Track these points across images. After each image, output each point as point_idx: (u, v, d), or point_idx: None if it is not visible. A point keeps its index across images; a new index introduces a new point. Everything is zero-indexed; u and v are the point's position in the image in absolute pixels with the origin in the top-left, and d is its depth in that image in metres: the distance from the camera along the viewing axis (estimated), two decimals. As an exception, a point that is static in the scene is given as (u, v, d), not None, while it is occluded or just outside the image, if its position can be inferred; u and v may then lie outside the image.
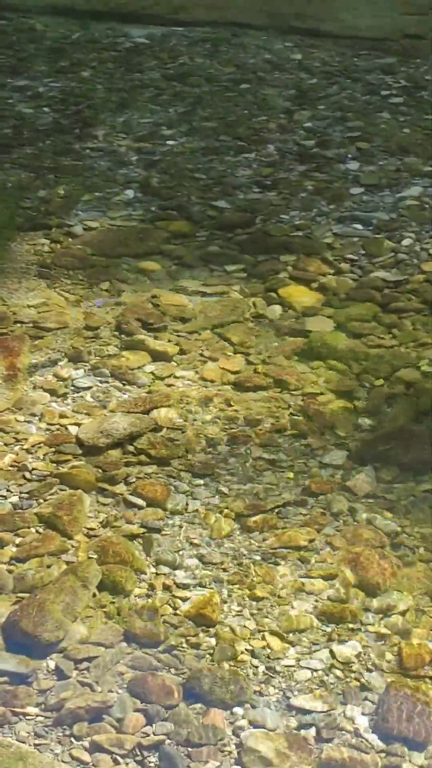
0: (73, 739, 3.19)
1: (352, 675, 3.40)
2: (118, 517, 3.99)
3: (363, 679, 3.39)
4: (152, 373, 4.78)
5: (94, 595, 3.64)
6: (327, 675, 3.40)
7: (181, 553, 3.84)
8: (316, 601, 3.66)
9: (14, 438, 4.37)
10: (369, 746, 3.19)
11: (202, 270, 5.59)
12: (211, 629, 3.54)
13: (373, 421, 4.50)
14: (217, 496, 4.10)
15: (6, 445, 4.33)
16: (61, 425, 4.44)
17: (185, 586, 3.70)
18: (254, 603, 3.64)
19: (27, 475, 4.18)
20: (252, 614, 3.59)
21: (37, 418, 4.49)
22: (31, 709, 3.27)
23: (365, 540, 3.90)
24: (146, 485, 4.12)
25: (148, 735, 3.20)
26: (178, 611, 3.60)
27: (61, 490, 4.11)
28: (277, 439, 4.39)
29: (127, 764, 3.13)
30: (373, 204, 6.24)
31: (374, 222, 6.02)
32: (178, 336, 5.03)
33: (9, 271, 5.54)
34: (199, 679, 3.35)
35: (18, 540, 3.88)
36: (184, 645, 3.49)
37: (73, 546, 3.85)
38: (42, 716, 3.26)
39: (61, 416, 4.49)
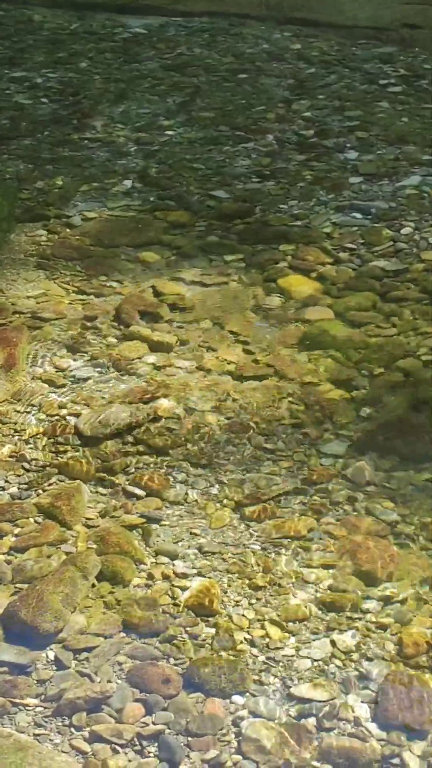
0: (72, 729, 3.19)
1: (352, 664, 3.40)
2: (117, 507, 3.99)
3: (363, 668, 3.38)
4: (151, 363, 4.77)
5: (94, 585, 3.64)
6: (327, 664, 3.39)
7: (180, 543, 3.84)
8: (316, 590, 3.66)
9: (13, 429, 4.37)
10: (369, 735, 3.18)
11: (201, 260, 5.58)
12: (210, 619, 3.53)
13: (373, 411, 4.49)
14: (216, 486, 4.09)
15: (5, 435, 4.33)
16: (59, 416, 4.44)
17: (184, 576, 3.69)
18: (254, 592, 3.63)
19: (26, 465, 4.18)
20: (251, 604, 3.59)
21: (36, 408, 4.49)
22: (31, 700, 3.27)
23: (365, 529, 3.89)
24: (145, 475, 4.12)
25: (148, 725, 3.20)
26: (177, 601, 3.60)
27: (60, 480, 4.11)
28: (277, 429, 4.38)
29: (126, 754, 3.12)
30: (372, 193, 6.23)
31: (373, 211, 6.01)
32: (177, 326, 5.02)
33: (7, 262, 5.53)
34: (198, 668, 3.34)
35: (17, 530, 3.87)
36: (184, 635, 3.48)
37: (72, 536, 3.85)
38: (41, 707, 3.25)
39: (60, 407, 4.49)
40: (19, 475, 4.13)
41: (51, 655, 3.41)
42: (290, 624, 3.52)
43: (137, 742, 3.15)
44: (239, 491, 4.05)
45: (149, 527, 3.90)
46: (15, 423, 4.39)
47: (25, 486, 4.08)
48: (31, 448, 4.26)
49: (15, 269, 5.48)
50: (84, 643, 3.43)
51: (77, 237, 5.80)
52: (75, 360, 4.79)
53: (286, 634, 3.49)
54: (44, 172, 6.51)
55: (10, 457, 4.22)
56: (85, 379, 4.67)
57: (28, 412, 4.46)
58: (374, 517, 3.96)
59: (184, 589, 3.64)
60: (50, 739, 3.16)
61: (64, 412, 4.46)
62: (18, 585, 3.63)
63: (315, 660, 3.41)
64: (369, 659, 3.41)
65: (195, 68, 8.14)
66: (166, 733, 3.18)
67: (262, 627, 3.50)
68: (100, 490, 4.08)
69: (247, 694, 3.30)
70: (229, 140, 6.91)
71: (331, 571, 3.73)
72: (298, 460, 4.22)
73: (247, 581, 3.67)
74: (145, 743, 3.15)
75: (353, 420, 4.44)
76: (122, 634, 3.48)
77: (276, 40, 8.73)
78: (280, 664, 3.40)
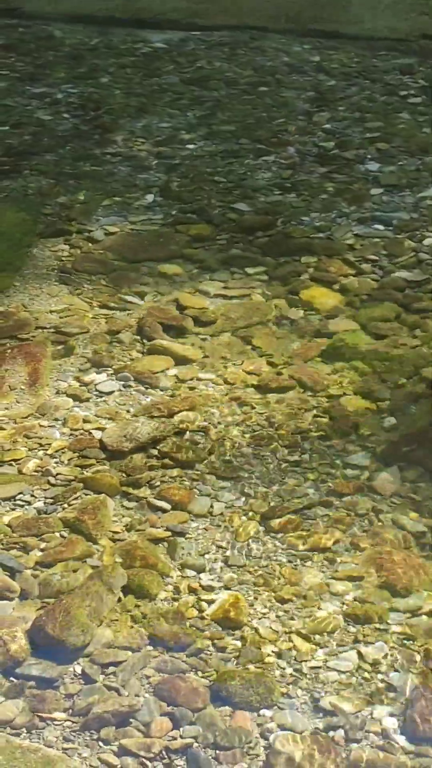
0: (100, 744, 3.19)
1: (380, 676, 3.39)
2: (142, 520, 3.99)
3: (390, 680, 3.37)
4: (175, 376, 4.78)
5: (120, 599, 3.64)
6: (354, 676, 3.39)
7: (206, 556, 3.84)
8: (342, 602, 3.65)
9: (38, 443, 4.38)
10: (397, 747, 3.17)
11: (223, 273, 5.59)
12: (237, 631, 3.53)
13: (397, 421, 4.48)
14: (241, 499, 4.09)
15: (30, 450, 4.34)
16: (84, 430, 4.44)
17: (211, 589, 3.69)
18: (280, 605, 3.63)
19: (51, 480, 4.18)
20: (278, 616, 3.58)
21: (60, 423, 4.50)
22: (59, 714, 3.27)
23: (391, 540, 3.89)
24: (170, 489, 4.12)
25: (176, 738, 3.20)
26: (203, 614, 3.59)
27: (86, 494, 4.11)
28: (301, 441, 4.38)
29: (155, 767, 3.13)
30: (393, 204, 6.23)
31: (395, 222, 6.01)
32: (201, 339, 5.03)
33: (31, 277, 5.56)
34: (225, 681, 3.34)
35: (43, 545, 3.88)
36: (211, 648, 3.48)
37: (98, 550, 3.85)
38: (69, 721, 3.25)
39: (85, 421, 4.50)
40: (44, 490, 4.14)
41: (78, 669, 3.41)
42: (317, 636, 3.51)
43: (165, 756, 3.15)
44: (264, 504, 4.05)
45: (175, 540, 3.90)
46: (40, 437, 4.40)
47: (51, 500, 4.09)
48: (56, 463, 4.27)
49: (38, 284, 5.50)
50: (111, 657, 3.43)
51: (100, 251, 5.81)
52: (99, 374, 4.80)
53: (313, 647, 3.48)
54: (66, 187, 6.53)
55: (36, 471, 4.23)
56: (109, 393, 4.68)
57: (53, 427, 4.47)
58: (400, 528, 3.95)
59: (210, 602, 3.64)
60: (79, 754, 3.16)
61: (88, 426, 4.47)
62: (45, 600, 3.64)
63: (342, 672, 3.40)
64: (396, 671, 3.40)
65: (215, 82, 8.16)
66: (195, 746, 3.17)
67: (289, 639, 3.50)
68: (126, 503, 4.08)
69: (275, 706, 3.29)
70: (250, 153, 6.92)
71: (357, 582, 3.73)
72: (323, 471, 4.22)
73: (274, 594, 3.67)
74: (173, 757, 3.15)
75: (377, 431, 4.44)
76: (149, 648, 3.48)
77: (296, 53, 8.74)
78: (308, 676, 3.39)
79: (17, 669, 3.39)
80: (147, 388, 4.71)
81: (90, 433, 4.43)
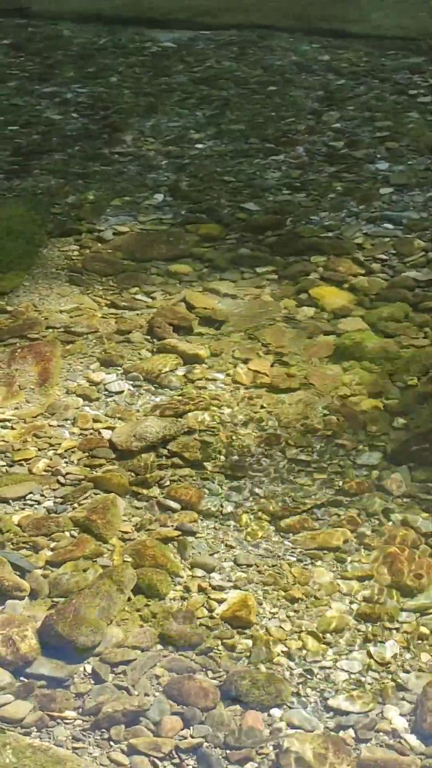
0: (110, 743, 3.19)
1: (390, 676, 3.39)
2: (152, 520, 3.99)
3: (400, 679, 3.37)
4: (184, 376, 4.77)
5: (130, 598, 3.65)
6: (364, 676, 3.39)
7: (215, 555, 3.84)
8: (352, 601, 3.65)
9: (48, 443, 4.38)
10: (407, 747, 3.17)
11: (232, 272, 5.59)
12: (247, 631, 3.53)
13: (407, 421, 4.48)
14: (251, 498, 4.09)
15: (40, 450, 4.34)
16: (94, 429, 4.45)
17: (221, 589, 3.69)
18: (290, 604, 3.63)
19: (61, 479, 4.19)
20: (288, 616, 3.58)
21: (70, 422, 4.50)
22: (69, 713, 3.28)
23: (401, 540, 3.88)
24: (180, 488, 4.12)
25: (186, 738, 3.20)
26: (213, 613, 3.60)
27: (95, 494, 4.11)
28: (311, 440, 4.37)
29: (165, 767, 3.12)
30: (403, 203, 6.22)
31: (404, 221, 6.00)
32: (210, 339, 5.03)
33: (40, 277, 5.56)
34: (235, 681, 3.34)
35: (53, 544, 3.88)
36: (221, 647, 3.48)
37: (107, 550, 3.86)
38: (80, 720, 3.26)
39: (94, 420, 4.50)
40: (54, 489, 4.14)
41: (88, 668, 3.41)
42: (327, 636, 3.51)
43: (175, 755, 3.15)
44: (274, 503, 4.05)
45: (185, 540, 3.90)
46: (50, 437, 4.41)
47: (61, 500, 4.09)
48: (66, 462, 4.28)
49: (47, 284, 5.51)
50: (121, 656, 3.43)
51: (109, 251, 5.81)
52: (108, 374, 4.80)
53: (323, 646, 3.48)
54: (75, 187, 6.54)
55: (46, 471, 4.23)
56: (119, 393, 4.68)
57: (63, 426, 4.48)
58: (410, 527, 3.95)
59: (220, 601, 3.64)
60: (89, 753, 3.16)
61: (98, 425, 4.47)
62: (55, 599, 3.64)
63: (352, 672, 3.40)
64: (406, 671, 3.40)
65: (224, 81, 8.16)
66: (204, 746, 3.17)
67: (299, 639, 3.50)
68: (135, 503, 4.09)
69: (285, 706, 3.29)
70: (259, 152, 6.92)
71: (367, 582, 3.73)
72: (333, 471, 4.22)
73: (283, 593, 3.67)
74: (183, 756, 3.15)
75: (387, 431, 4.43)
76: (159, 647, 3.48)
77: (304, 52, 8.74)
78: (318, 676, 3.39)
79: (27, 668, 3.40)
80: (156, 388, 4.71)
81: (99, 432, 4.43)
